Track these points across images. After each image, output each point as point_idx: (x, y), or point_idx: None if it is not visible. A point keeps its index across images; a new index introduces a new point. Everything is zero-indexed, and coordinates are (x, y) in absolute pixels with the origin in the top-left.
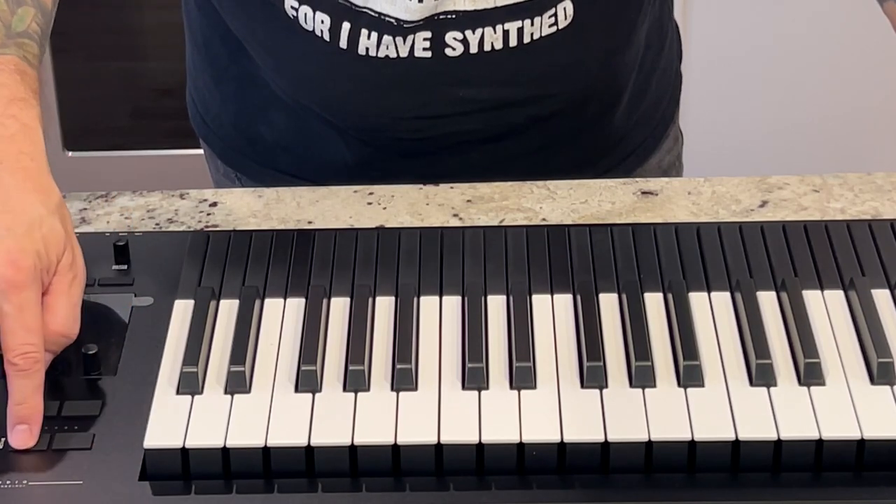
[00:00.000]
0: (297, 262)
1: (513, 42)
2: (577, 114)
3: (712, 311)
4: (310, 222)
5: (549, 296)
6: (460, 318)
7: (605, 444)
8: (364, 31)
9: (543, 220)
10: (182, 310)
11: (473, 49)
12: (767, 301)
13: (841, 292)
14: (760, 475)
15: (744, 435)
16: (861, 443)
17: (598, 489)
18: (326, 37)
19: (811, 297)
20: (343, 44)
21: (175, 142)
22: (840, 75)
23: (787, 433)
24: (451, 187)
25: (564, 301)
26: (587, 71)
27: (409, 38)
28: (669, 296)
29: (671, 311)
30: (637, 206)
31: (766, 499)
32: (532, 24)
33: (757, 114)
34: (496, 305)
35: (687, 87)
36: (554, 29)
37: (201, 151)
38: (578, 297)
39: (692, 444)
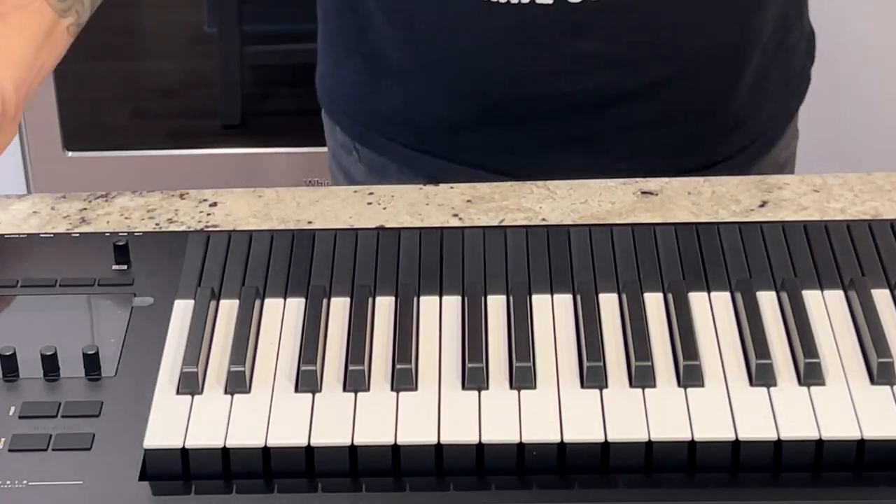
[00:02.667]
0: (297, 262)
1: None
2: (695, 82)
3: (712, 311)
4: (310, 222)
5: (549, 296)
6: (460, 318)
7: (605, 444)
8: None
9: (543, 220)
10: (182, 310)
11: None
12: (767, 301)
13: (841, 292)
14: (760, 475)
15: (744, 435)
16: (861, 443)
17: (598, 489)
18: None
19: (811, 297)
20: None
21: (175, 142)
22: (840, 75)
23: (787, 433)
24: (451, 187)
25: (564, 301)
26: (709, 32)
27: None
28: (669, 296)
29: (671, 311)
30: (637, 206)
31: (766, 499)
32: None
33: None
34: (496, 305)
35: None
36: None
37: (201, 151)
38: (578, 297)
39: (692, 444)
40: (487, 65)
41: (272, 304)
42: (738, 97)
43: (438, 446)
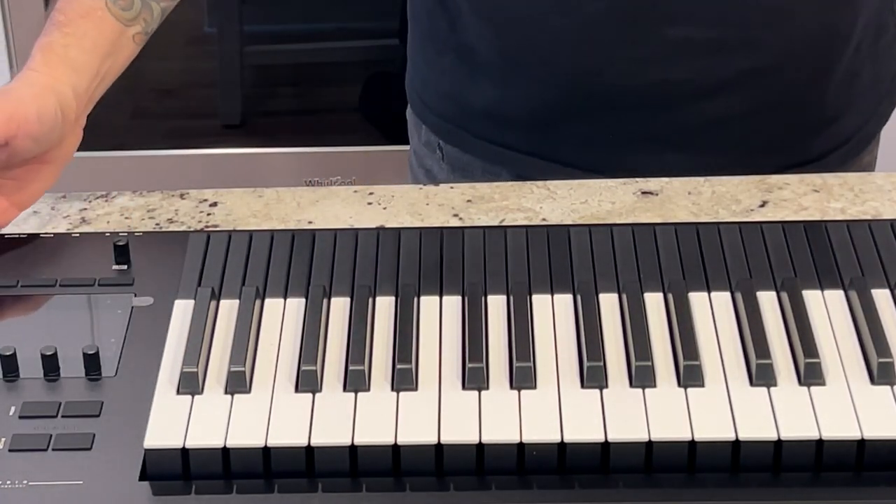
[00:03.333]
0: (297, 262)
1: None
2: (786, 73)
3: (712, 311)
4: (310, 222)
5: (549, 296)
6: (460, 318)
7: (605, 444)
8: None
9: (543, 220)
10: (182, 310)
11: None
12: (767, 301)
13: (841, 292)
14: (760, 475)
15: (744, 435)
16: (861, 443)
17: (598, 489)
18: None
19: (811, 297)
20: None
21: (175, 142)
22: None
23: (787, 433)
24: (451, 187)
25: (564, 301)
26: (801, 22)
27: None
28: (669, 296)
29: (671, 311)
30: (637, 206)
31: (766, 499)
32: None
33: None
34: (496, 305)
35: None
36: None
37: (201, 151)
38: (578, 297)
39: (692, 444)
40: (576, 53)
41: (272, 304)
42: (829, 92)
43: (438, 446)
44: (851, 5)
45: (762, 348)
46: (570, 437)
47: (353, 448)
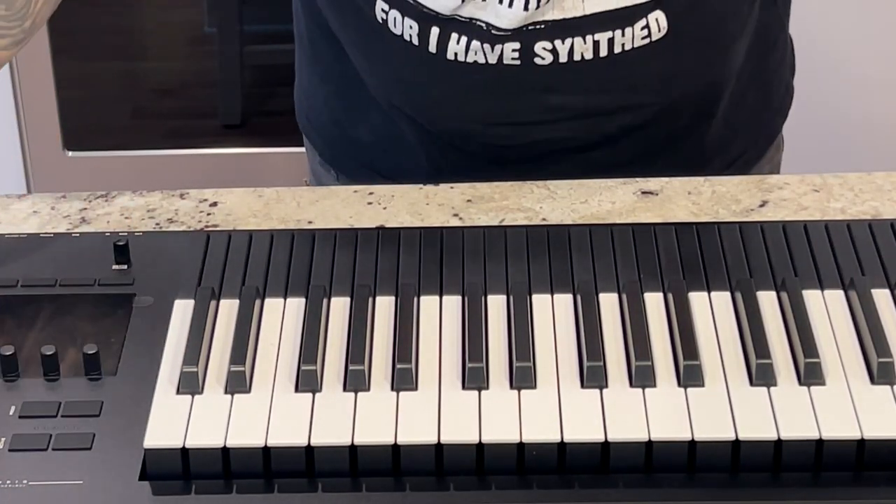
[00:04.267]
0: (297, 262)
1: (603, 52)
2: (670, 124)
3: (712, 311)
4: (310, 222)
5: (549, 296)
6: (460, 318)
7: (605, 444)
8: (454, 36)
9: (543, 220)
10: (182, 310)
11: (563, 59)
12: (767, 301)
13: (841, 292)
14: (760, 475)
15: (744, 435)
16: (861, 443)
17: (598, 489)
18: (415, 41)
19: (811, 297)
20: (432, 48)
21: (175, 142)
22: (840, 74)
23: (787, 433)
24: (451, 187)
25: (564, 301)
26: (681, 83)
27: (498, 46)
28: (669, 296)
29: (671, 311)
30: (637, 206)
31: (766, 499)
32: (623, 35)
33: None
34: (496, 305)
35: None
36: (647, 41)
37: (201, 151)
38: (578, 297)
39: (692, 444)
40: (458, 115)
41: (272, 304)
42: (713, 126)
43: (438, 446)
44: (728, 50)
45: (762, 348)
46: (570, 437)
47: (353, 448)
